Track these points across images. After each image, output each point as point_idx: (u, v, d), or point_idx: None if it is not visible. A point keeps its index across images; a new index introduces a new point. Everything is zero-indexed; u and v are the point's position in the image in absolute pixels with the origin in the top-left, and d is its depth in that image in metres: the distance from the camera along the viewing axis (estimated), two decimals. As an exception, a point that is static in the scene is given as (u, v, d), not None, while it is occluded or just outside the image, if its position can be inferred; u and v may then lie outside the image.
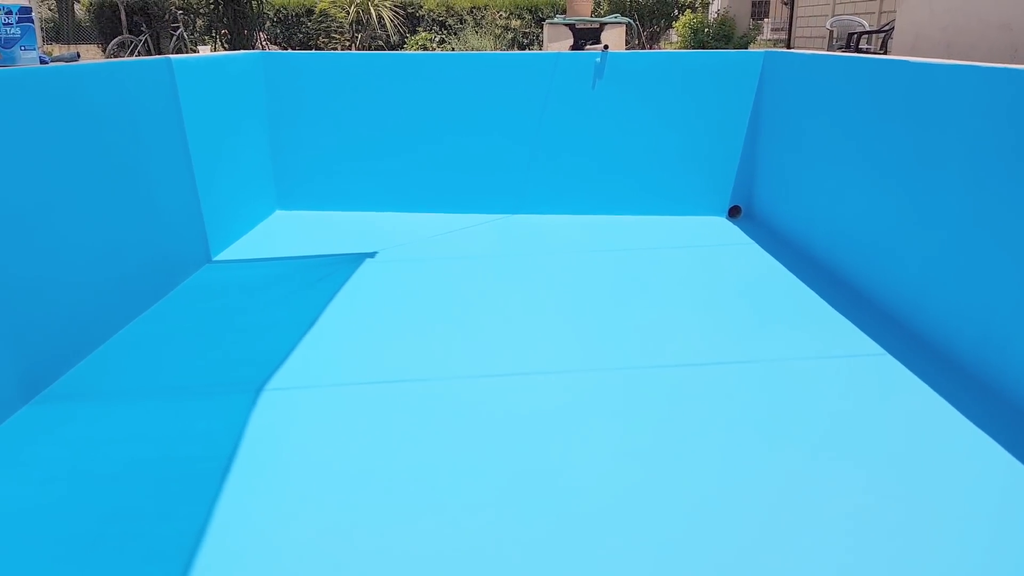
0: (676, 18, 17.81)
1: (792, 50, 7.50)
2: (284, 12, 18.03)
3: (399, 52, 5.75)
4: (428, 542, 2.31)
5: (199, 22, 16.70)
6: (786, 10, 20.45)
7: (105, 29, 17.61)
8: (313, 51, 15.91)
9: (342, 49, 17.67)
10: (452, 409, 3.09)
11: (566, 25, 8.83)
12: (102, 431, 2.92)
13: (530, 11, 18.16)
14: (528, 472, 2.66)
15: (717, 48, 15.90)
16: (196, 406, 3.10)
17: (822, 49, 14.35)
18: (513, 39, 17.97)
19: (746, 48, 16.09)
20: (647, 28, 17.68)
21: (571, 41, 8.78)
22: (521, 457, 2.75)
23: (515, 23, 18.06)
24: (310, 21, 18.05)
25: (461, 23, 18.17)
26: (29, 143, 3.20)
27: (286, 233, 5.61)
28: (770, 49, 5.97)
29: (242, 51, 6.23)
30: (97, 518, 2.42)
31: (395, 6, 17.83)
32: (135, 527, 2.37)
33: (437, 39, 18.00)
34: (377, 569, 2.20)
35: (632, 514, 2.44)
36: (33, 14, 3.66)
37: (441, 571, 2.20)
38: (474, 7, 18.22)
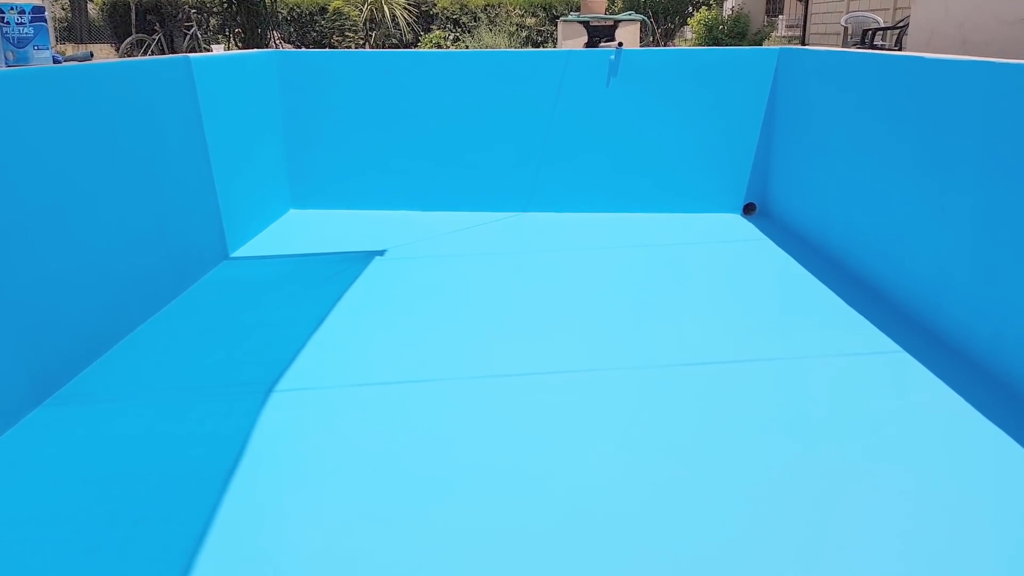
0: (690, 15, 17.76)
1: (807, 47, 7.47)
2: (298, 11, 18.06)
3: (412, 50, 5.74)
4: (440, 543, 2.31)
5: (212, 21, 16.76)
6: (800, 7, 20.36)
7: (118, 28, 17.70)
8: (327, 49, 15.93)
9: (355, 47, 17.69)
10: (464, 410, 3.08)
11: (580, 22, 8.81)
12: (110, 433, 2.93)
13: (544, 8, 18.14)
14: (544, 472, 2.65)
15: (731, 45, 15.85)
16: (206, 407, 3.10)
17: (837, 46, 14.29)
18: (527, 37, 17.96)
19: (760, 45, 16.02)
20: (661, 25, 17.64)
21: (585, 38, 8.76)
22: (537, 457, 2.74)
23: (529, 21, 18.05)
24: (324, 19, 18.08)
25: (475, 21, 18.17)
26: (44, 142, 3.21)
27: (300, 232, 5.62)
28: (784, 46, 5.94)
29: (257, 50, 6.23)
30: (100, 520, 2.42)
31: (409, 4, 17.85)
32: (138, 529, 2.37)
33: (451, 37, 18.00)
34: (385, 571, 2.20)
35: (649, 513, 2.43)
36: (46, 13, 3.67)
37: (454, 571, 2.19)
38: (488, 5, 18.21)
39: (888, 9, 14.85)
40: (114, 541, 2.32)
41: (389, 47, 17.63)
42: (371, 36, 17.68)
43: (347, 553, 2.26)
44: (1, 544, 2.32)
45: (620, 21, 8.83)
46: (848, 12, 15.87)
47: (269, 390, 3.22)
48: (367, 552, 2.26)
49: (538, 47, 17.60)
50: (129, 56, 15.25)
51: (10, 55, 3.46)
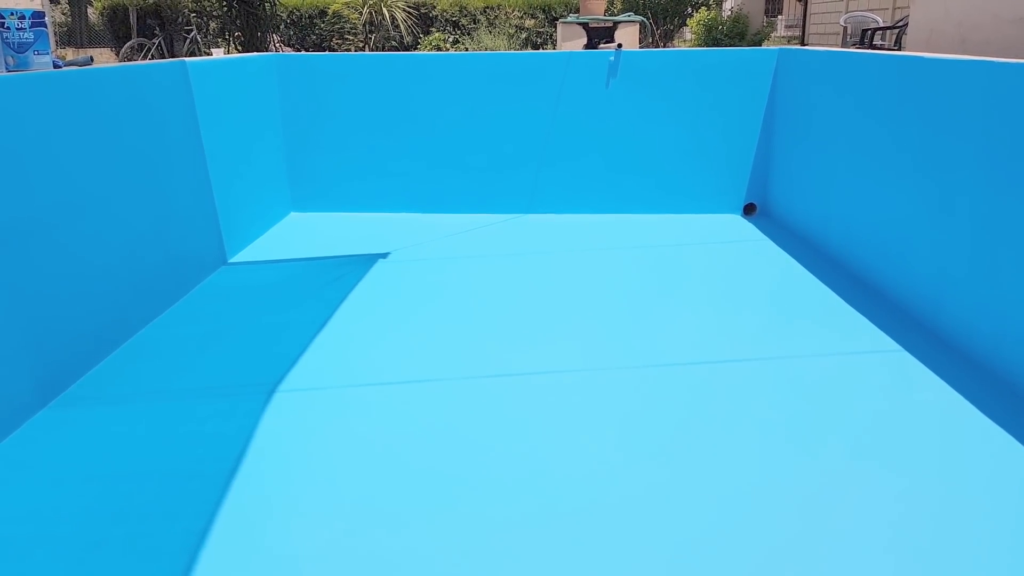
0: (690, 16, 17.76)
1: (806, 47, 7.48)
2: (297, 14, 18.06)
3: (412, 53, 5.73)
4: (441, 540, 2.31)
5: (212, 25, 16.76)
6: (800, 7, 20.37)
7: (118, 33, 17.71)
8: (327, 52, 15.93)
9: (355, 50, 17.69)
10: (466, 409, 3.09)
11: (580, 24, 8.82)
12: (114, 434, 2.94)
13: (543, 10, 18.13)
14: (543, 470, 2.65)
15: (731, 46, 15.84)
16: (208, 408, 3.11)
17: (836, 46, 14.29)
18: (527, 39, 17.96)
19: (760, 45, 16.02)
20: (661, 26, 17.63)
21: (585, 40, 8.77)
22: (536, 456, 2.74)
23: (529, 22, 18.05)
24: (323, 22, 18.08)
25: (474, 23, 18.16)
26: (43, 147, 3.21)
27: (301, 235, 5.62)
28: (784, 46, 5.94)
29: (256, 53, 6.24)
30: (103, 518, 2.44)
31: (408, 6, 17.84)
32: (139, 528, 2.39)
33: (451, 39, 17.99)
34: (386, 568, 2.20)
35: (647, 510, 2.43)
36: (46, 18, 3.68)
37: (456, 566, 2.20)
38: (487, 7, 18.20)
39: (887, 9, 14.85)
40: (117, 538, 2.34)
41: (389, 50, 17.63)
42: (371, 39, 17.68)
43: (347, 549, 2.26)
44: (8, 541, 2.33)
45: (619, 22, 8.84)
46: (847, 12, 15.87)
47: (272, 390, 3.23)
48: (367, 548, 2.27)
49: (537, 49, 17.60)
50: (129, 61, 15.26)
51: (10, 60, 3.47)
